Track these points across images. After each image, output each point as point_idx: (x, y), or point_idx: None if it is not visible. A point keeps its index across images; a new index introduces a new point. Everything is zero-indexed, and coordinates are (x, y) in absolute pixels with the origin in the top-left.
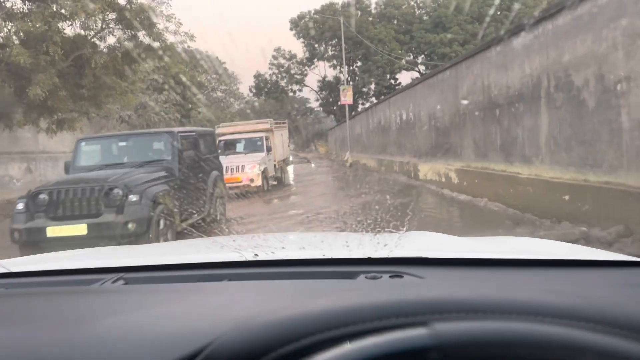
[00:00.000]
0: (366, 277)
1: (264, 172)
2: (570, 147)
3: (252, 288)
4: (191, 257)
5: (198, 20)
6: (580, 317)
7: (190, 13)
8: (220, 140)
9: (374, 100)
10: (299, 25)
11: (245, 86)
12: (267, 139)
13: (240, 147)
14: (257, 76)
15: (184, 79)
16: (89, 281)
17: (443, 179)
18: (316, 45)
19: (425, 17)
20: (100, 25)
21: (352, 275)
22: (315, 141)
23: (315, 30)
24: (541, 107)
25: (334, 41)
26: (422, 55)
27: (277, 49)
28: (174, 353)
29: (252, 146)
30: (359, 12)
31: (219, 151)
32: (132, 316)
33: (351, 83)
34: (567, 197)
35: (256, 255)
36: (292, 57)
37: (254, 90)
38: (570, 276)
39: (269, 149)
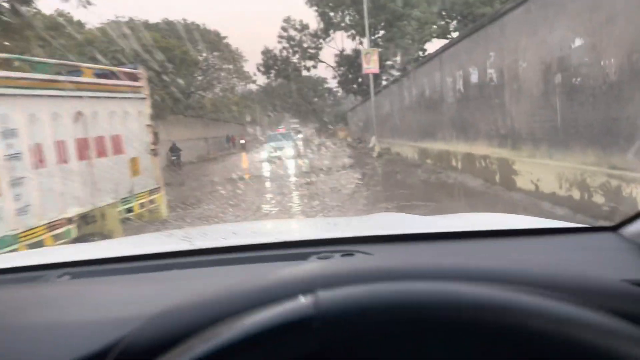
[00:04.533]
0: (318, 258)
1: None
2: None
3: (200, 275)
4: (140, 249)
5: None
6: (512, 280)
7: None
8: None
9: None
10: None
11: (252, 64)
12: None
13: None
14: (265, 52)
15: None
16: (35, 277)
17: (598, 197)
18: (332, 14)
19: None
20: None
21: (304, 257)
22: (334, 125)
23: None
24: None
25: (351, 8)
26: (456, 20)
27: (287, 19)
28: (89, 345)
29: None
30: None
31: None
32: (63, 308)
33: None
34: None
35: (206, 242)
36: (304, 27)
37: (262, 69)
38: (513, 244)
39: None
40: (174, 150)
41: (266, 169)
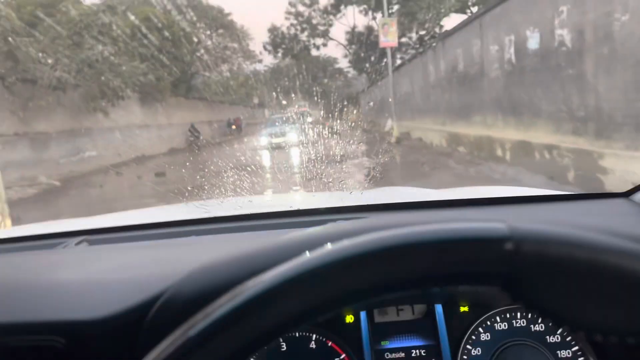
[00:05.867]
0: None
1: None
2: None
3: (219, 241)
4: (157, 217)
5: None
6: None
7: None
8: None
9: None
10: None
11: (258, 43)
12: None
13: None
14: (272, 30)
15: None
16: (53, 245)
17: None
18: None
19: None
20: None
21: (319, 224)
22: (345, 107)
23: None
24: None
25: None
26: None
27: None
28: (131, 299)
29: None
30: None
31: None
32: (91, 269)
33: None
34: None
35: (223, 211)
36: (314, 2)
37: (269, 48)
38: (530, 210)
39: None
40: (193, 131)
41: (265, 159)
